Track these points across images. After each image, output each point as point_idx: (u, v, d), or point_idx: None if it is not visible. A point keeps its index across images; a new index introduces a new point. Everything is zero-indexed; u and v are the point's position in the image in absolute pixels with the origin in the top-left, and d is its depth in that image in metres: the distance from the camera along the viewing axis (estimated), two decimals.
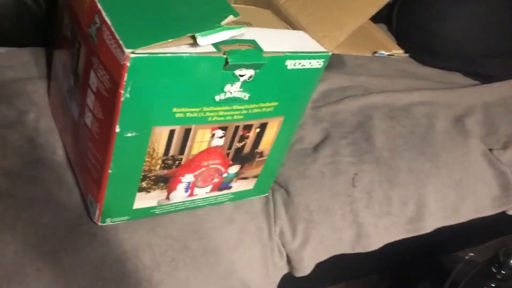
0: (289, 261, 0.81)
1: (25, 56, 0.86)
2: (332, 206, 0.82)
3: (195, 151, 0.64)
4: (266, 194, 0.81)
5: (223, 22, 0.55)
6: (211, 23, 0.55)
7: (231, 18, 0.55)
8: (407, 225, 0.89)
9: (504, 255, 0.94)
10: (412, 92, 1.08)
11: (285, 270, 0.82)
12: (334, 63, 1.04)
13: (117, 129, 0.56)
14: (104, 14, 0.54)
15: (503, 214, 1.00)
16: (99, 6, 0.54)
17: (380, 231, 0.85)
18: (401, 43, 1.20)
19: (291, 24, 0.69)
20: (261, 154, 0.72)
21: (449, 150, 0.97)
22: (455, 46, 1.18)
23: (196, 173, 0.68)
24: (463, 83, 1.19)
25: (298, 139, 0.90)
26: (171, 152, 0.63)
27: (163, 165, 0.64)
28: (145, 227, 0.69)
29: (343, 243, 0.83)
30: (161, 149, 0.61)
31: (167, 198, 0.69)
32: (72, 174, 0.73)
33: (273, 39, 0.62)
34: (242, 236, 0.75)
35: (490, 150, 1.00)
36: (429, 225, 0.91)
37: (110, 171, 0.60)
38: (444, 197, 0.92)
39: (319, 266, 0.83)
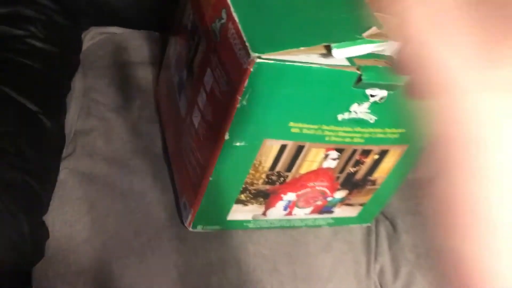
0: None
1: (140, 39, 0.84)
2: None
3: (303, 170, 0.58)
4: (369, 224, 0.72)
5: (365, 34, 0.48)
6: (350, 34, 0.48)
7: (374, 30, 0.48)
8: None
9: None
10: None
11: None
12: None
13: (226, 136, 0.51)
14: (232, 9, 0.49)
15: None
16: (228, 1, 0.49)
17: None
18: None
19: None
20: (373, 182, 0.64)
21: None
22: None
23: (299, 192, 0.62)
24: None
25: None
26: (278, 168, 0.57)
27: (266, 180, 0.58)
28: (235, 241, 0.64)
29: None
30: (268, 163, 0.56)
31: (264, 214, 0.64)
32: (168, 169, 0.70)
33: None
34: (338, 266, 0.67)
35: None
36: None
37: (210, 178, 0.56)
38: None
39: None
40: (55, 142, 0.69)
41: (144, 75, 0.80)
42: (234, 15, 0.48)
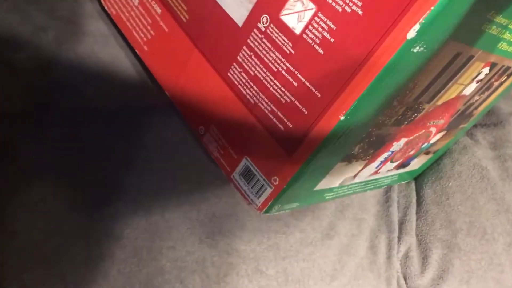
0: None
1: None
2: (493, 226, 0.53)
3: (442, 99, 0.39)
4: (385, 187, 0.55)
5: None
6: None
7: None
8: None
9: None
10: None
11: None
12: None
13: (411, 34, 0.29)
14: None
15: None
16: None
17: None
18: None
19: None
20: (468, 119, 0.48)
21: None
22: None
23: (411, 137, 0.42)
24: None
25: None
26: (425, 95, 0.36)
27: (400, 117, 0.37)
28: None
29: None
30: (423, 85, 0.35)
31: (354, 176, 0.42)
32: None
33: None
34: (345, 257, 0.48)
35: None
36: None
37: (342, 117, 0.32)
38: None
39: None
40: None
41: None
42: None
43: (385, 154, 0.42)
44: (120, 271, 0.39)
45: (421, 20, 0.28)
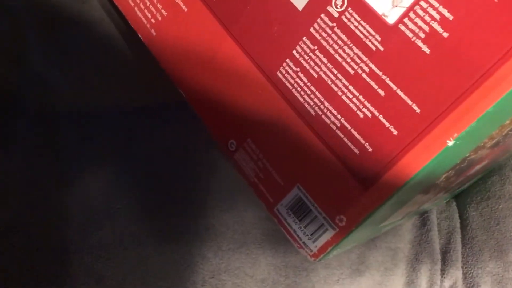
0: None
1: None
2: None
3: None
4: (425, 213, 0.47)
5: None
6: None
7: None
8: None
9: None
10: None
11: None
12: None
13: None
14: None
15: None
16: None
17: None
18: None
19: None
20: None
21: None
22: None
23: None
24: None
25: None
26: None
27: (501, 138, 0.28)
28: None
29: None
30: None
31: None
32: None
33: None
34: None
35: None
36: None
37: (450, 143, 0.23)
38: None
39: None
40: None
41: None
42: None
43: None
44: None
45: None
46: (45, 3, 0.38)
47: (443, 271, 0.44)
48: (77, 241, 0.34)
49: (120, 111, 0.41)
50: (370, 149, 0.25)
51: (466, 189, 0.48)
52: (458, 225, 0.46)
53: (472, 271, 0.45)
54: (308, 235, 0.28)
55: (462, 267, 0.45)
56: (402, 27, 0.23)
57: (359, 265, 0.40)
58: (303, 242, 0.28)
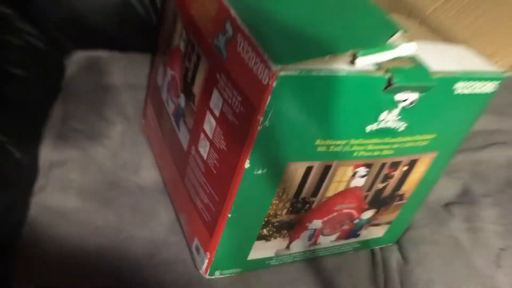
0: None
1: (125, 61, 0.78)
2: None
3: (330, 192, 0.52)
4: (374, 249, 0.65)
5: (392, 39, 0.43)
6: (376, 40, 0.43)
7: (399, 34, 0.43)
8: None
9: None
10: None
11: None
12: None
13: (247, 165, 0.44)
14: (239, 20, 0.42)
15: None
16: (232, 12, 0.43)
17: None
18: None
19: (445, 38, 0.55)
20: (401, 197, 0.58)
21: None
22: None
23: (325, 218, 0.55)
24: None
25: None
26: (303, 194, 0.50)
27: (291, 209, 0.51)
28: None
29: None
30: (292, 189, 0.49)
31: (287, 247, 0.57)
32: (155, 203, 0.64)
33: (435, 56, 0.48)
34: None
35: None
36: None
37: (229, 215, 0.49)
38: None
39: None
40: (25, 174, 0.63)
41: (128, 99, 0.74)
42: (242, 26, 0.42)
43: (307, 232, 0.56)
44: None
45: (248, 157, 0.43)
46: None
47: None
48: None
49: None
50: (209, 219, 0.52)
51: (407, 237, 0.65)
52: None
53: None
54: (200, 263, 0.55)
55: None
56: (208, 161, 0.50)
57: (330, 283, 0.60)
58: (199, 266, 0.55)
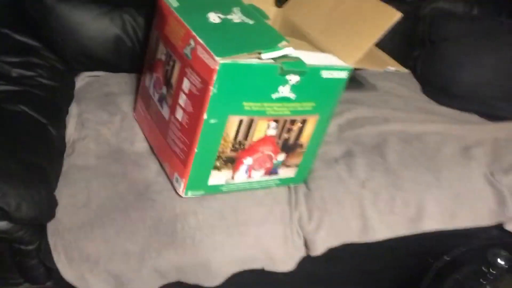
0: (305, 243, 0.97)
1: (119, 78, 1.15)
2: (344, 200, 0.99)
3: (255, 138, 0.88)
4: (293, 186, 1.01)
5: (280, 44, 0.80)
6: (272, 44, 0.80)
7: (285, 42, 0.80)
8: (408, 224, 1.02)
9: (492, 256, 0.98)
10: (427, 124, 1.23)
11: (302, 251, 0.97)
12: (361, 99, 1.28)
13: (205, 116, 0.80)
14: (198, 38, 0.79)
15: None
16: (193, 33, 0.80)
17: (383, 225, 1.00)
18: (424, 88, 1.42)
19: (318, 47, 0.93)
20: (301, 146, 0.95)
21: (452, 169, 1.10)
22: (470, 90, 1.34)
23: (254, 156, 0.91)
24: (477, 121, 1.30)
25: (324, 152, 1.08)
26: (239, 138, 0.86)
27: (232, 148, 0.87)
28: (194, 200, 0.91)
29: (351, 232, 0.99)
30: (232, 134, 0.85)
31: (232, 177, 0.92)
32: (146, 160, 0.98)
33: (311, 57, 0.86)
34: (268, 216, 0.94)
35: (492, 174, 1.11)
36: (427, 226, 1.03)
37: (196, 151, 0.83)
38: (443, 205, 1.04)
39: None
40: (59, 145, 0.98)
41: (123, 100, 1.10)
42: (200, 40, 0.78)
43: (244, 166, 0.91)
44: None
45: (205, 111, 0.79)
46: None
47: (295, 208, 0.98)
48: None
49: None
50: (183, 156, 0.86)
51: (310, 178, 1.02)
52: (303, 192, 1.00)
53: (312, 206, 0.98)
54: (178, 187, 0.89)
55: (306, 205, 0.98)
56: (172, 119, 0.86)
57: (261, 202, 0.97)
58: (179, 190, 0.89)
